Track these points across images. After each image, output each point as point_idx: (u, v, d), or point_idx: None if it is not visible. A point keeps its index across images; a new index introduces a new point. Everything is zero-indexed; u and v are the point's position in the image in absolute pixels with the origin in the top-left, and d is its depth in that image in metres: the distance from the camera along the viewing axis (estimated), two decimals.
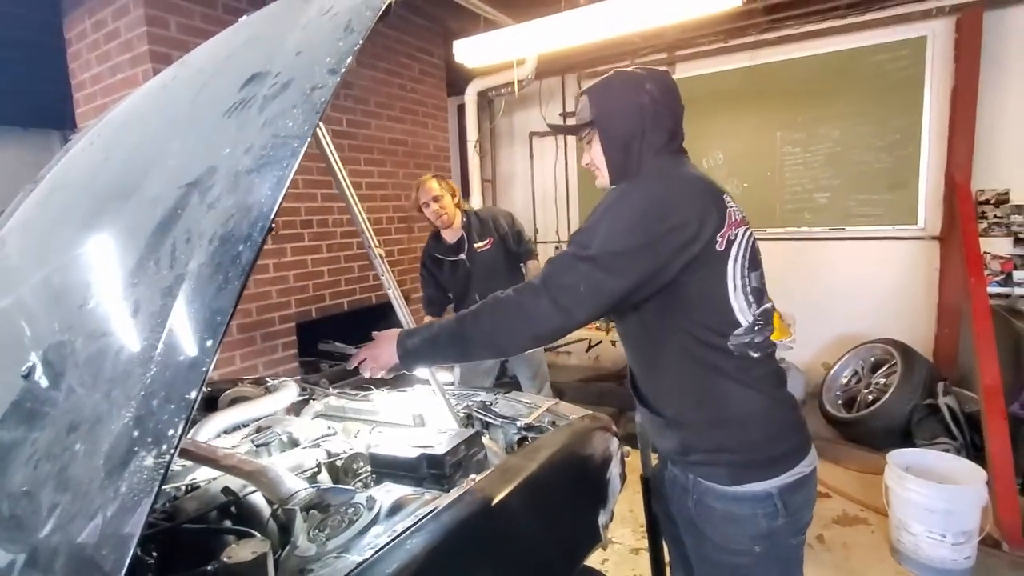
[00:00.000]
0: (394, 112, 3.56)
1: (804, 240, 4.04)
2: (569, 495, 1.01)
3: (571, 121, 1.12)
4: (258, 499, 1.04)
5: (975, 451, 2.64)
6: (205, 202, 0.78)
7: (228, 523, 1.03)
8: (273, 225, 0.71)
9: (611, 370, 4.51)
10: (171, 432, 0.60)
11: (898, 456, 2.24)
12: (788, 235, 4.09)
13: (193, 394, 0.59)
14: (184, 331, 0.65)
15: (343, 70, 0.76)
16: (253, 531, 0.94)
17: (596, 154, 1.14)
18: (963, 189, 3.46)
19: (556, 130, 1.35)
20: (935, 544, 2.04)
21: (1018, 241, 3.50)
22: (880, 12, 3.62)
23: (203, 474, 1.16)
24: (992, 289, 3.44)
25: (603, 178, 1.16)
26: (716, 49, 4.12)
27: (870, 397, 3.27)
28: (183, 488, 1.11)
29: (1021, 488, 2.44)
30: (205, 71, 1.20)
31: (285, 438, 1.35)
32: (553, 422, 1.39)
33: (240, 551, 0.87)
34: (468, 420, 1.53)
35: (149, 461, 0.61)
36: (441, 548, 0.80)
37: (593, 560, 2.24)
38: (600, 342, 4.28)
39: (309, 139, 0.72)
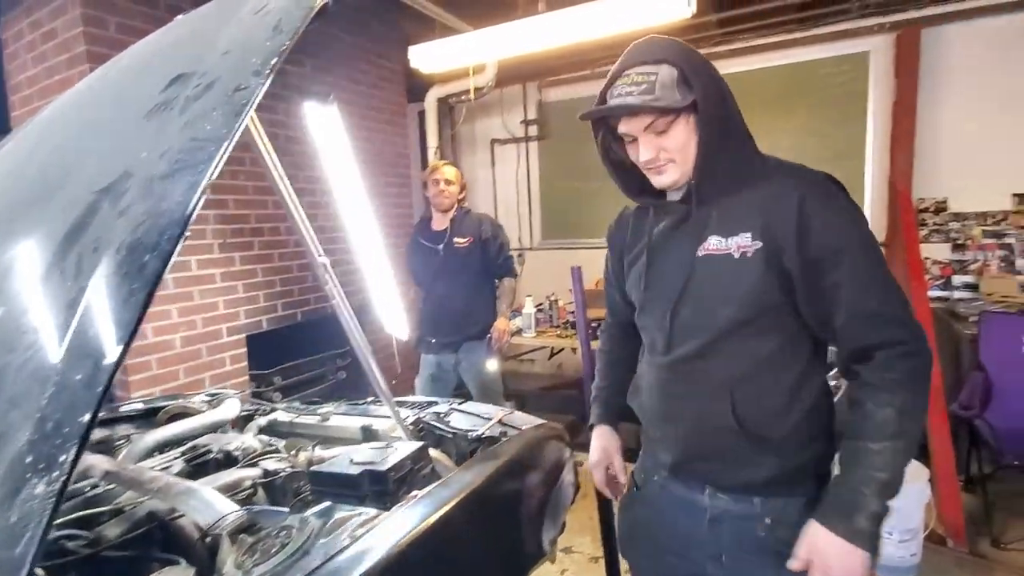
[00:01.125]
0: (352, 118, 3.50)
1: None
2: (514, 508, 0.99)
3: (646, 100, 0.89)
4: (186, 523, 0.98)
5: (918, 451, 2.74)
6: (116, 209, 0.73)
7: (155, 549, 0.97)
8: (187, 234, 0.66)
9: (573, 378, 4.52)
10: (63, 458, 0.55)
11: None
12: None
13: (87, 417, 0.54)
14: (82, 348, 0.60)
15: (268, 71, 0.73)
16: (178, 558, 0.89)
17: (676, 142, 0.94)
18: (904, 198, 3.62)
19: (609, 112, 0.94)
20: (883, 542, 2.10)
21: (956, 247, 3.69)
22: (825, 28, 3.77)
23: (129, 497, 1.09)
24: (933, 293, 3.61)
25: (673, 174, 0.97)
26: None
27: None
28: (107, 513, 1.04)
29: (963, 486, 2.55)
30: (132, 71, 1.15)
31: (221, 456, 1.28)
32: (505, 433, 1.36)
33: None
34: (420, 433, 1.50)
35: (40, 489, 0.56)
36: (379, 571, 0.76)
37: (553, 570, 2.23)
38: (563, 350, 4.28)
39: (228, 143, 0.68)
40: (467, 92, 4.16)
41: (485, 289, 2.79)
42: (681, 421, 1.01)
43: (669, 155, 0.95)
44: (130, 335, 0.57)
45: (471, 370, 2.73)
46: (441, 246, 2.68)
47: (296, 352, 3.25)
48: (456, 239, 2.69)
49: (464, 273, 2.70)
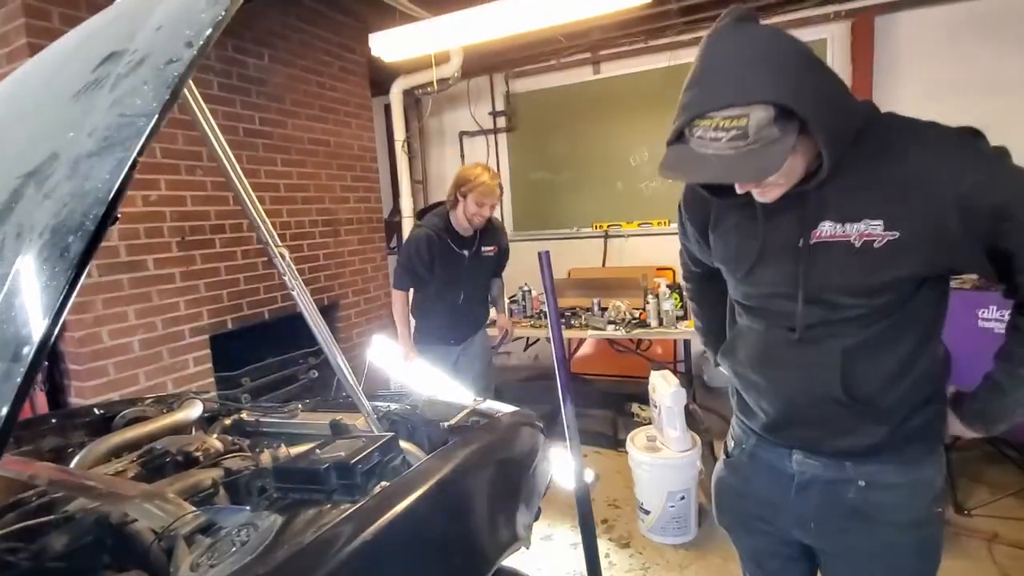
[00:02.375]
0: (313, 111, 3.41)
1: None
2: (487, 495, 0.96)
3: (744, 160, 0.77)
4: (140, 528, 0.93)
5: None
6: (41, 192, 0.68)
7: (106, 558, 0.91)
8: (118, 215, 0.62)
9: (549, 368, 4.52)
10: None
11: None
12: None
13: (4, 411, 0.50)
14: (1, 338, 0.56)
15: (202, 43, 0.69)
16: (129, 567, 0.84)
17: (783, 174, 0.82)
18: None
19: (704, 180, 0.89)
20: None
21: None
22: (784, 16, 3.83)
23: (79, 505, 1.03)
24: None
25: (780, 191, 0.87)
26: (637, 49, 4.24)
27: None
28: (53, 522, 0.98)
29: None
30: (64, 54, 1.08)
31: (181, 458, 1.23)
32: (478, 421, 1.34)
33: None
34: (391, 425, 1.46)
35: None
36: (342, 564, 0.73)
37: (531, 555, 2.22)
38: (537, 340, 4.28)
39: (159, 117, 0.63)
40: (434, 84, 4.10)
41: (486, 288, 2.91)
42: (784, 387, 0.96)
43: (776, 181, 0.85)
44: (53, 321, 0.52)
45: (470, 362, 2.76)
46: (467, 252, 2.65)
47: (265, 352, 3.17)
48: (484, 248, 2.72)
49: (481, 278, 2.80)
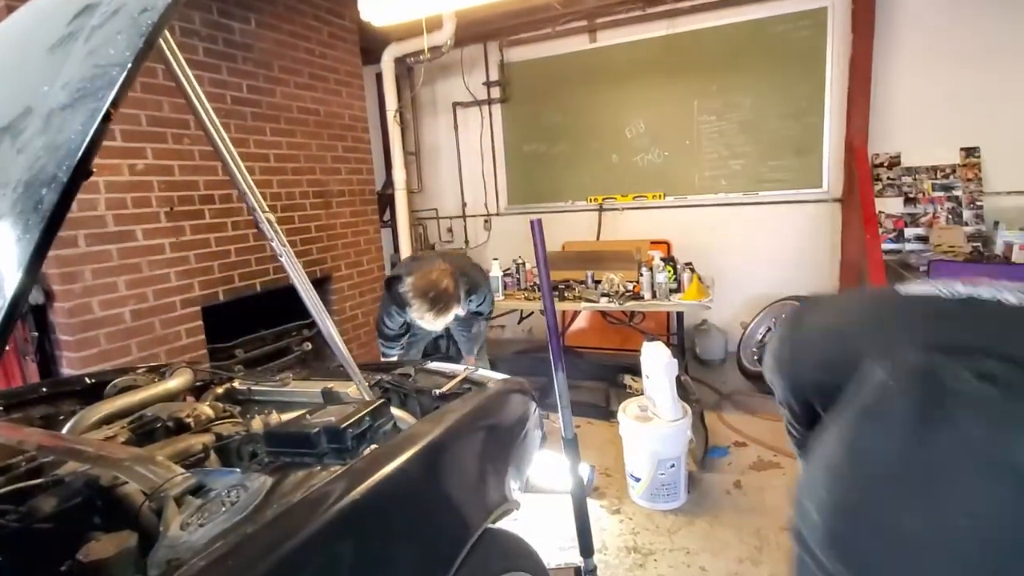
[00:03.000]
0: (302, 79, 3.33)
1: (721, 206, 4.20)
2: (477, 458, 0.97)
3: None
4: (130, 490, 0.93)
5: None
6: (15, 147, 0.66)
7: (95, 519, 0.92)
8: (92, 170, 0.60)
9: (543, 341, 4.54)
10: None
11: None
12: (707, 202, 4.24)
13: None
14: None
15: None
16: (119, 526, 0.85)
17: None
18: (860, 153, 3.69)
19: None
20: None
21: (908, 200, 3.80)
22: None
23: (68, 469, 1.03)
24: (886, 246, 3.73)
25: None
26: (635, 17, 4.14)
27: None
28: (42, 485, 0.98)
29: None
30: (43, 9, 1.05)
31: (172, 424, 1.23)
32: (469, 388, 1.35)
33: (100, 547, 0.77)
34: (384, 393, 1.47)
35: None
36: (330, 522, 0.74)
37: (524, 521, 2.27)
38: (531, 314, 4.29)
39: (133, 67, 0.61)
40: (426, 52, 4.00)
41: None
42: None
43: None
44: (28, 274, 0.51)
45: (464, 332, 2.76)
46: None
47: (257, 325, 3.16)
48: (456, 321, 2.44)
49: (466, 329, 2.73)
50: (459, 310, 2.24)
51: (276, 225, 1.23)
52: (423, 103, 4.96)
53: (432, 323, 2.19)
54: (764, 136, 4.00)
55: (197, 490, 0.89)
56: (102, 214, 2.38)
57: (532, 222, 1.54)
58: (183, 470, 0.92)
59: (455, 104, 4.80)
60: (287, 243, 1.23)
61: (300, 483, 0.85)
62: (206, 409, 1.31)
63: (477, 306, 2.53)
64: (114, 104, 0.59)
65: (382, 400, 1.17)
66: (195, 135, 2.67)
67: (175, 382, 1.54)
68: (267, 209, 1.22)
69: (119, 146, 2.44)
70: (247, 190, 1.16)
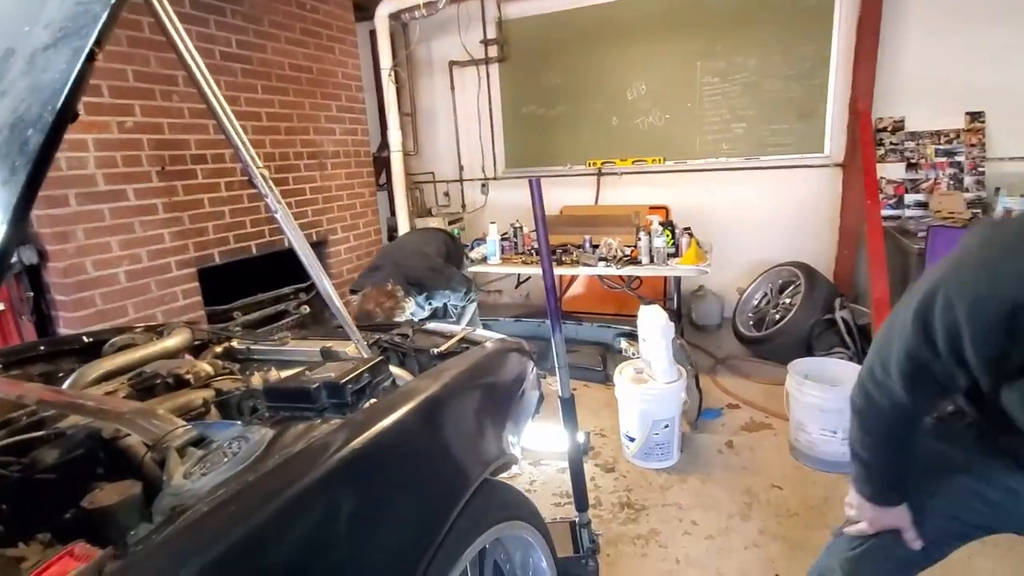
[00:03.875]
0: (293, 34, 3.22)
1: (722, 171, 4.15)
2: (474, 413, 0.98)
3: None
4: (132, 443, 0.94)
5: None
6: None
7: (98, 471, 0.93)
8: (79, 112, 0.58)
9: (541, 306, 4.56)
10: None
11: (797, 365, 2.41)
12: (708, 166, 4.19)
13: None
14: None
15: None
16: (123, 477, 0.86)
17: None
18: (864, 117, 3.63)
19: None
20: (827, 440, 2.25)
21: (910, 166, 3.76)
22: None
23: (70, 422, 1.04)
24: (885, 212, 3.71)
25: None
26: None
27: (777, 316, 3.49)
28: (44, 437, 0.99)
29: None
30: None
31: (172, 380, 1.24)
32: (467, 348, 1.36)
33: (104, 495, 0.78)
34: (383, 352, 1.48)
35: None
36: (331, 469, 0.75)
37: (522, 481, 2.33)
38: (529, 278, 4.29)
39: (115, 2, 0.59)
40: (420, 7, 3.87)
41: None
42: None
43: None
44: (17, 216, 0.50)
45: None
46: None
47: (255, 287, 3.15)
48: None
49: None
50: (403, 317, 2.33)
51: (270, 181, 1.21)
52: (418, 62, 4.83)
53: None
54: (767, 98, 3.93)
55: (199, 442, 0.90)
56: (92, 173, 2.33)
57: (531, 181, 1.51)
58: (184, 423, 0.93)
59: (451, 63, 4.68)
60: (282, 200, 1.22)
61: (301, 435, 0.85)
62: (205, 366, 1.31)
63: (444, 303, 2.60)
64: (98, 43, 0.57)
65: (382, 357, 1.18)
66: (185, 92, 2.60)
67: (173, 340, 1.54)
68: (261, 164, 1.20)
69: (107, 102, 2.37)
70: (239, 144, 1.14)
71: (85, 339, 1.66)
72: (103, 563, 0.58)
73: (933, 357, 0.83)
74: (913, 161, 3.75)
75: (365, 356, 1.32)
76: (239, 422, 0.96)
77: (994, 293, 0.71)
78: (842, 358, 2.84)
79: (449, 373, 1.05)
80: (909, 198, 3.77)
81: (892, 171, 3.77)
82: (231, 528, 0.61)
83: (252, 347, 1.58)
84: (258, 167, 1.18)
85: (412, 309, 2.40)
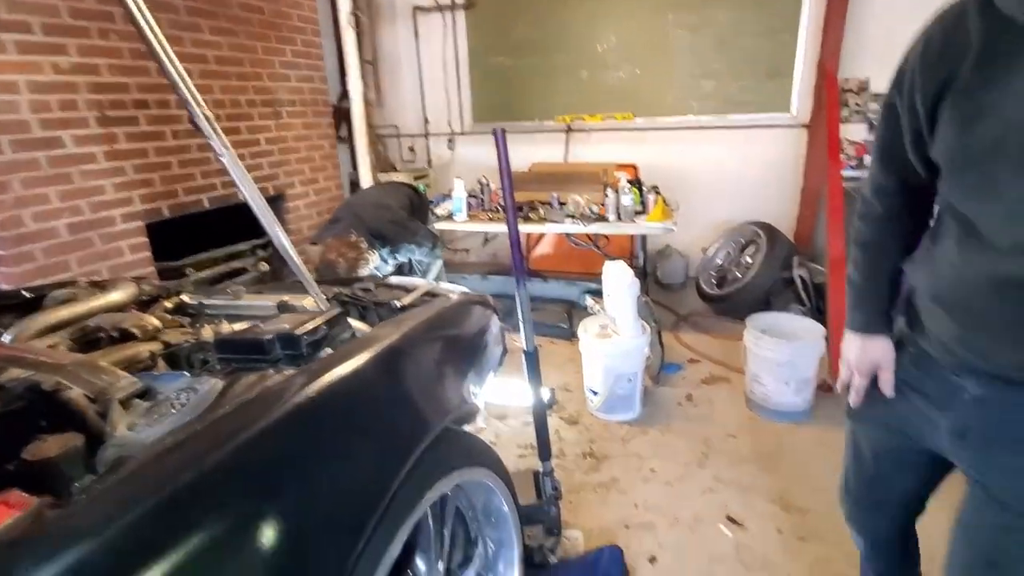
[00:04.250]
0: None
1: (690, 129, 4.14)
2: (433, 362, 0.97)
3: None
4: (73, 395, 0.90)
5: (819, 315, 3.02)
6: None
7: (39, 423, 0.89)
8: None
9: (508, 265, 4.54)
10: None
11: (754, 320, 2.49)
12: (676, 124, 4.16)
13: None
14: None
15: None
16: (66, 430, 0.82)
17: None
18: (831, 77, 3.65)
19: None
20: (781, 391, 2.35)
21: (872, 127, 3.82)
22: None
23: (9, 376, 0.98)
24: (847, 173, 3.78)
25: None
26: None
27: (738, 274, 3.58)
28: None
29: None
30: None
31: (116, 335, 1.18)
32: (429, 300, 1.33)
33: (46, 447, 0.75)
34: (341, 306, 1.44)
35: None
36: (286, 414, 0.72)
37: (487, 435, 2.36)
38: (496, 236, 4.25)
39: None
40: None
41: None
42: (978, 343, 0.81)
43: None
44: None
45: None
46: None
47: (208, 243, 3.02)
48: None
49: None
50: (365, 272, 2.28)
51: (215, 123, 1.13)
52: (380, 6, 4.58)
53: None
54: (737, 54, 3.89)
55: (144, 394, 0.86)
56: (25, 118, 2.15)
57: (495, 131, 1.47)
58: (129, 375, 0.89)
59: (415, 8, 4.45)
60: (229, 144, 1.14)
61: (253, 385, 0.83)
62: (152, 319, 1.25)
63: (408, 258, 2.54)
64: None
65: (340, 310, 1.14)
66: (123, 30, 2.40)
67: (118, 294, 1.46)
68: (203, 103, 1.12)
69: (38, 41, 2.17)
70: (179, 81, 1.05)
71: (25, 294, 1.57)
72: (40, 510, 0.56)
73: (896, 126, 0.89)
74: (875, 123, 3.81)
75: (323, 308, 1.29)
76: (187, 374, 0.92)
77: (920, 34, 0.83)
78: (798, 314, 2.94)
79: (410, 323, 1.02)
80: (869, 159, 3.85)
81: (855, 132, 3.83)
82: (178, 474, 0.59)
83: (204, 302, 1.52)
84: (200, 107, 1.10)
85: (376, 263, 2.34)
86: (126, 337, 1.17)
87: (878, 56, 3.64)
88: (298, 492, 0.65)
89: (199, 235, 2.95)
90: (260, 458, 0.65)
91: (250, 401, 0.73)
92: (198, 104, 1.10)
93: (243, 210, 2.83)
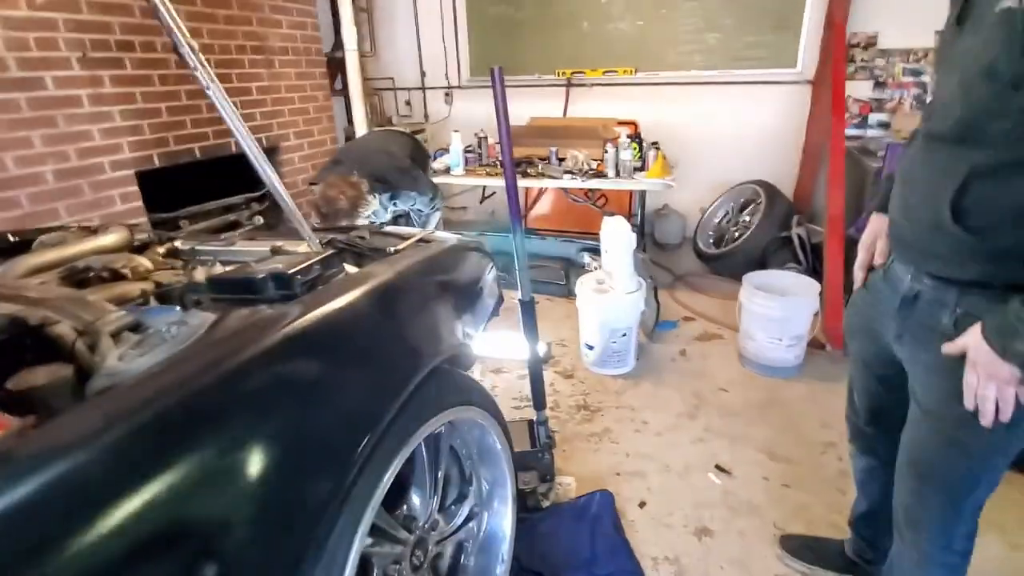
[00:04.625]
0: None
1: (693, 84, 4.03)
2: (426, 301, 0.96)
3: None
4: (61, 329, 0.89)
5: (815, 275, 3.01)
6: None
7: (26, 357, 0.88)
8: None
9: (506, 223, 4.49)
10: None
11: (752, 277, 2.49)
12: (679, 79, 4.06)
13: None
14: None
15: None
16: (54, 362, 0.81)
17: None
18: (839, 30, 3.53)
19: None
20: (773, 347, 2.37)
21: (877, 85, 3.74)
22: None
23: None
24: (849, 131, 3.72)
25: None
26: None
27: (736, 234, 3.56)
28: None
29: (847, 302, 2.86)
30: None
31: (106, 274, 1.16)
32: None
33: (32, 376, 0.74)
34: (336, 251, 1.42)
35: None
36: (276, 343, 0.72)
37: (486, 385, 2.38)
38: (494, 193, 4.19)
39: None
40: None
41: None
42: (910, 206, 0.94)
43: None
44: None
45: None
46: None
47: (203, 194, 2.97)
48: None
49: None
50: (363, 218, 2.19)
51: (200, 55, 1.09)
52: None
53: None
54: (745, 6, 3.76)
55: (135, 328, 0.85)
56: (1, 56, 2.07)
57: (492, 69, 1.42)
58: (119, 309, 0.88)
59: None
60: (215, 78, 1.10)
61: (245, 318, 0.82)
62: (144, 260, 1.24)
63: (410, 207, 2.48)
64: None
65: (334, 252, 1.13)
66: None
67: (110, 238, 1.44)
68: (187, 33, 1.07)
69: None
70: (159, 3, 1.00)
71: (11, 238, 1.54)
72: (25, 428, 0.55)
73: None
74: (881, 80, 3.73)
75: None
76: (178, 308, 0.91)
77: None
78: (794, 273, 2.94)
79: (404, 262, 1.01)
80: (873, 118, 3.78)
81: (860, 89, 3.75)
82: (166, 395, 0.59)
83: (197, 247, 1.51)
84: (183, 34, 1.05)
85: (376, 207, 2.27)
86: (116, 277, 1.16)
87: (888, 10, 3.53)
88: (287, 421, 0.65)
89: (193, 187, 2.90)
90: (251, 384, 0.65)
91: (242, 329, 0.72)
92: (181, 32, 1.05)
93: (238, 162, 2.76)
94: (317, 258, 1.04)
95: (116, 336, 0.83)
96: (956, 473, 0.95)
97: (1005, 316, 0.79)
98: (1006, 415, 0.82)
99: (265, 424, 0.63)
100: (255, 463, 0.61)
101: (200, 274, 1.17)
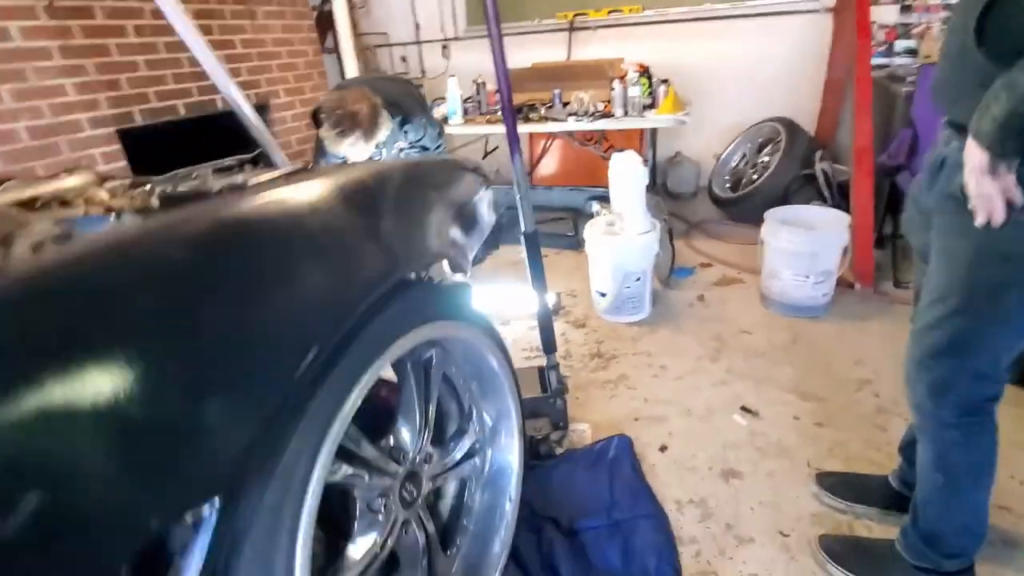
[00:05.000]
0: None
1: (706, 20, 3.77)
2: (405, 207, 0.83)
3: None
4: None
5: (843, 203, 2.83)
6: None
7: None
8: None
9: (509, 179, 4.32)
10: None
11: (774, 212, 2.32)
12: (689, 15, 3.80)
13: None
14: None
15: None
16: None
17: None
18: None
19: None
20: (799, 285, 2.21)
21: (904, 9, 3.46)
22: None
23: None
24: (875, 60, 3.44)
25: None
26: None
27: (755, 176, 3.36)
28: None
29: (876, 241, 2.68)
30: None
31: (56, 204, 1.05)
32: None
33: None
34: None
35: None
36: (214, 226, 0.60)
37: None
38: (496, 148, 4.02)
39: None
40: None
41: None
42: (946, 43, 0.95)
43: None
44: None
45: None
46: None
47: (191, 156, 2.83)
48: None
49: None
50: (380, 138, 2.01)
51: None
52: None
53: (351, 152, 1.96)
54: None
55: (66, 238, 0.74)
56: None
57: None
58: (47, 220, 0.76)
59: None
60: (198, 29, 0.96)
61: (173, 214, 0.69)
62: (101, 192, 1.12)
63: (418, 139, 2.29)
64: None
65: (301, 166, 1.00)
66: None
67: (73, 180, 1.32)
68: None
69: None
70: None
71: None
72: None
73: None
74: (907, 4, 3.45)
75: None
76: (112, 217, 0.80)
77: None
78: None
79: (385, 166, 0.88)
80: (899, 44, 3.51)
81: (885, 15, 3.47)
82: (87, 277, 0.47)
83: (170, 190, 1.39)
84: None
85: (389, 132, 2.07)
86: (63, 205, 1.04)
87: None
88: (224, 314, 0.53)
89: (182, 148, 2.76)
90: (174, 273, 0.52)
91: (169, 222, 0.60)
92: None
93: (226, 121, 2.62)
94: (281, 172, 0.92)
95: (39, 247, 0.72)
96: (963, 337, 0.96)
97: (983, 99, 0.81)
98: (997, 215, 0.83)
99: (190, 318, 0.50)
100: (172, 358, 0.48)
101: (155, 196, 1.06)
